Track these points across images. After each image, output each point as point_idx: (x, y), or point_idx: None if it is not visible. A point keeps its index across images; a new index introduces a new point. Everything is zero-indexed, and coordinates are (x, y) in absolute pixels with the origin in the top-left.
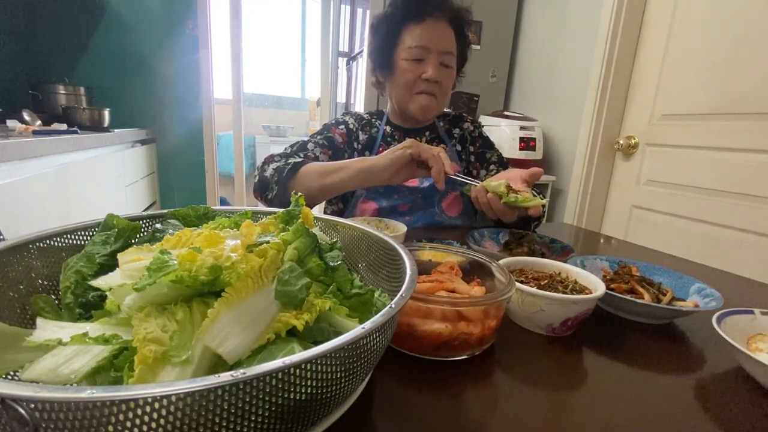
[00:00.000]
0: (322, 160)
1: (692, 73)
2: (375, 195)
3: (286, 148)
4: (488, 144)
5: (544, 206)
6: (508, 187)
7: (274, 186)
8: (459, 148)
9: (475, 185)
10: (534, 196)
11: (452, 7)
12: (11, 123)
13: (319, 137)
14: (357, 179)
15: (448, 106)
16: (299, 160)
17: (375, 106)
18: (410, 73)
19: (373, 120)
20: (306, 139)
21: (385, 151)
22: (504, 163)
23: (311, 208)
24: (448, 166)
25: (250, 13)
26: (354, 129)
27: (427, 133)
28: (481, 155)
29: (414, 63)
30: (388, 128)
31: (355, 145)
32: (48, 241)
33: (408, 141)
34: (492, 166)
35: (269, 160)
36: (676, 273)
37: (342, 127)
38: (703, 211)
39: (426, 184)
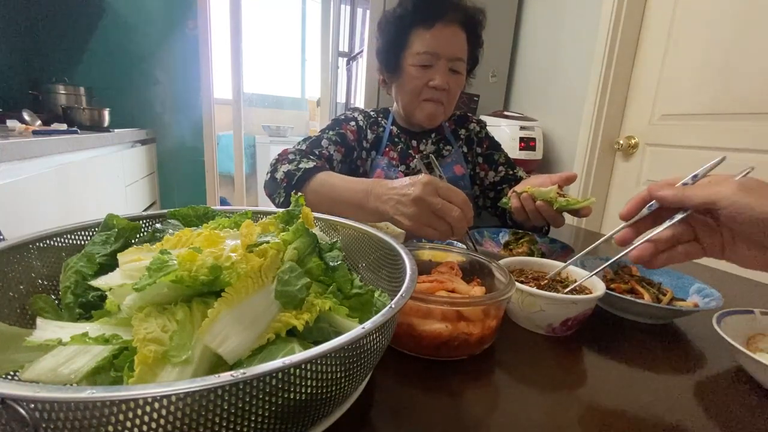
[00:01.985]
0: (336, 159)
1: (692, 73)
2: None
3: (299, 143)
4: (495, 145)
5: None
6: (557, 193)
7: (282, 192)
8: (465, 149)
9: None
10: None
11: (465, 9)
12: (11, 123)
13: (331, 132)
14: (368, 218)
15: None
16: (311, 166)
17: (375, 106)
18: (417, 80)
19: (380, 119)
20: (318, 134)
21: (395, 188)
22: (511, 164)
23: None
24: (460, 231)
25: (250, 14)
26: (363, 126)
27: (433, 135)
28: (488, 157)
29: (422, 69)
30: (394, 129)
31: (364, 143)
32: (48, 241)
33: (417, 185)
34: (500, 168)
35: (282, 158)
36: (676, 273)
37: (353, 123)
38: None
39: None
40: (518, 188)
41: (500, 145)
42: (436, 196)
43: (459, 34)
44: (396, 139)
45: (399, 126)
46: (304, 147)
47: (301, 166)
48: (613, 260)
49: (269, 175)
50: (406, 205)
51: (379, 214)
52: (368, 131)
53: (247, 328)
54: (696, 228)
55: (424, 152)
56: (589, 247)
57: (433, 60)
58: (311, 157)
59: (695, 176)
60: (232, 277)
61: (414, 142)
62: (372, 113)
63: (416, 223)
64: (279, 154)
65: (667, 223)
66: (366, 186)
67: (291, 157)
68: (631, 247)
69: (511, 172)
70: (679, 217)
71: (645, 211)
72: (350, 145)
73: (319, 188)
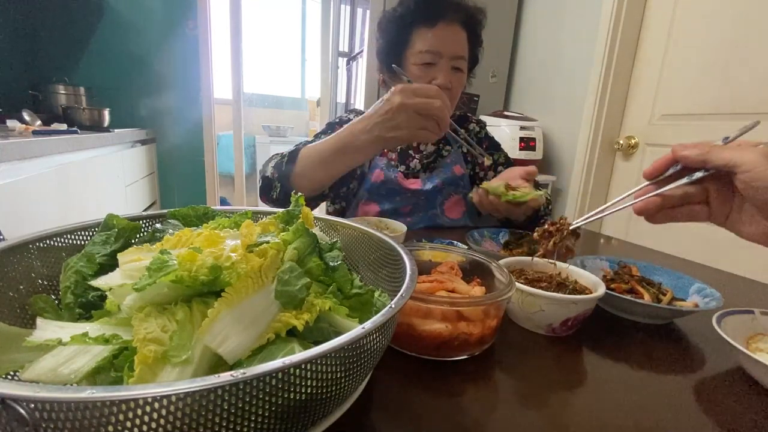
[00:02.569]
0: None
1: (692, 73)
2: (377, 197)
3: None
4: (494, 145)
5: (548, 198)
6: (507, 186)
7: (277, 183)
8: (465, 149)
9: (480, 153)
10: (536, 190)
11: (466, 8)
12: (11, 123)
13: (323, 137)
14: (361, 156)
15: None
16: (293, 148)
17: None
18: (420, 79)
19: None
20: (309, 139)
21: (373, 114)
22: (511, 164)
23: (320, 195)
24: (445, 121)
25: (250, 14)
26: None
27: None
28: None
29: (424, 68)
30: None
31: None
32: (48, 241)
33: (395, 95)
34: (500, 168)
35: (268, 161)
36: (676, 273)
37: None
38: None
39: (428, 186)
40: (484, 184)
41: (500, 145)
42: (414, 96)
43: (460, 33)
44: None
45: None
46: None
47: (285, 153)
48: (620, 208)
49: (260, 179)
50: (393, 118)
51: (372, 143)
52: None
53: (247, 328)
54: (710, 190)
55: (424, 152)
56: (609, 203)
57: (435, 59)
58: None
59: (726, 139)
60: (232, 277)
61: (414, 142)
62: None
63: (408, 129)
64: (266, 161)
65: (683, 180)
66: (347, 130)
67: (276, 156)
68: (638, 200)
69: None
70: (698, 175)
71: (670, 171)
72: None
73: (307, 160)
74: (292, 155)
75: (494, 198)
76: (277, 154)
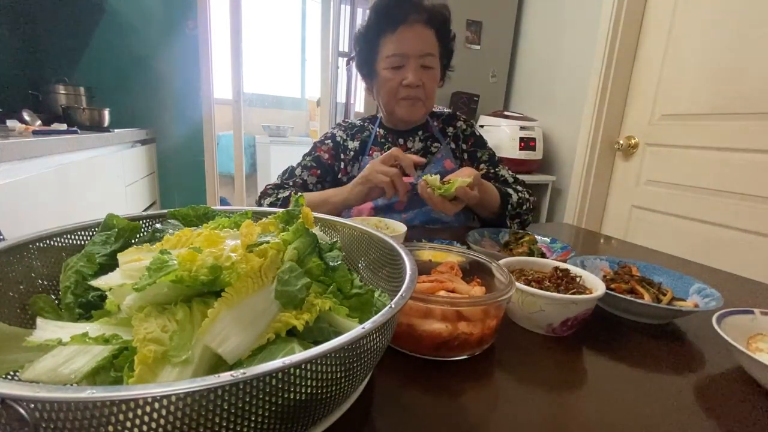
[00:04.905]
0: (310, 182)
1: (692, 73)
2: None
3: (279, 176)
4: (480, 143)
5: (529, 199)
6: (442, 181)
7: None
8: (453, 146)
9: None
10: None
11: (425, 8)
12: (11, 123)
13: (308, 158)
14: (339, 210)
15: (447, 106)
16: (287, 195)
17: (375, 106)
18: (391, 82)
19: (366, 124)
20: (295, 164)
21: (356, 184)
22: (494, 162)
23: None
24: (401, 189)
25: (250, 14)
26: (341, 141)
27: (420, 133)
28: (472, 154)
29: (394, 71)
30: (381, 131)
31: (342, 156)
32: (48, 241)
33: (366, 173)
34: (482, 165)
35: (264, 194)
36: (676, 273)
37: (329, 142)
38: (703, 211)
39: (420, 180)
40: (425, 176)
41: (487, 143)
42: (377, 174)
43: (425, 33)
44: (382, 140)
45: (386, 128)
46: (279, 181)
47: (280, 196)
48: None
49: None
50: (360, 182)
51: (349, 196)
52: (349, 141)
53: (247, 328)
54: None
55: (412, 149)
56: None
57: (402, 60)
58: (286, 186)
59: None
60: (232, 277)
61: (401, 141)
62: (358, 122)
63: (373, 188)
64: (261, 191)
65: None
66: (329, 193)
67: (270, 191)
68: None
69: (492, 171)
70: None
71: None
72: (326, 165)
73: None
74: (285, 202)
75: (430, 190)
76: (271, 187)
